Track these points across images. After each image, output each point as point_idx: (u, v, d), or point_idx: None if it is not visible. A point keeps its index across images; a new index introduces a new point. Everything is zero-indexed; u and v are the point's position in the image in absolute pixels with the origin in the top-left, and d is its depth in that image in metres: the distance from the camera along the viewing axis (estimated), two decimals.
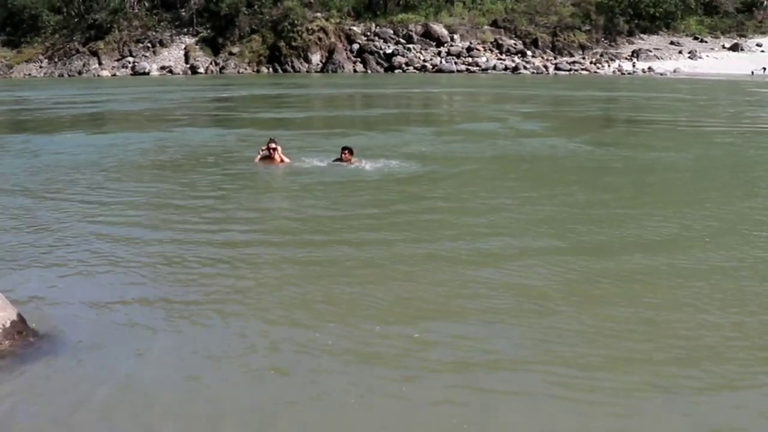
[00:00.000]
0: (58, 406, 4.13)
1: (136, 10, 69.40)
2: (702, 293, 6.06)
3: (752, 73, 58.07)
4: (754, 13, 69.87)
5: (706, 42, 67.73)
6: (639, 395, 4.34)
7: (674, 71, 59.07)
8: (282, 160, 12.51)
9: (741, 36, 67.84)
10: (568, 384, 4.43)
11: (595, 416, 4.14)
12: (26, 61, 69.14)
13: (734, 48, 65.89)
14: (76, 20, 70.07)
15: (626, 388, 4.41)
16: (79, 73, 66.46)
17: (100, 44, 68.20)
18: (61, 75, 66.54)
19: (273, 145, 12.47)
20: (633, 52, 65.19)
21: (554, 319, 5.48)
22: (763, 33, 68.19)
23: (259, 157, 12.63)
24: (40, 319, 5.31)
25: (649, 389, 4.39)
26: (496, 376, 4.57)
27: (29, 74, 67.50)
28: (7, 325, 4.87)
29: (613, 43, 66.91)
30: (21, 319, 5.08)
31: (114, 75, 65.40)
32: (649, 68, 60.57)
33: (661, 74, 58.27)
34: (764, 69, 58.58)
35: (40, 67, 68.69)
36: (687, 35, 68.51)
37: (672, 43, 67.25)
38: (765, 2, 70.24)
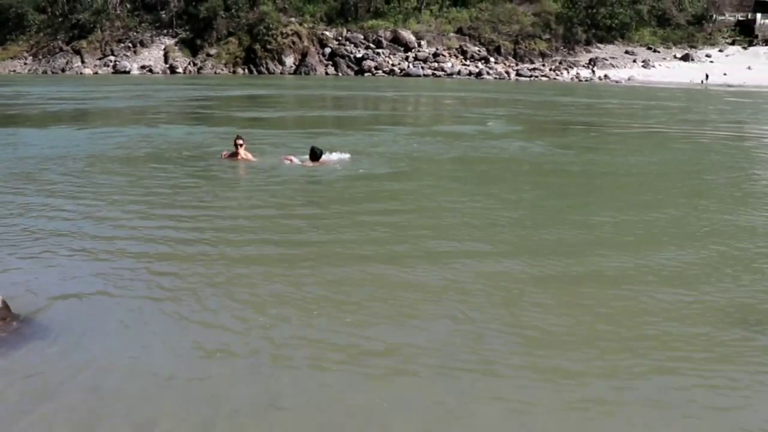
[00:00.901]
0: (40, 387, 4.16)
1: (118, 11, 70.58)
2: (657, 296, 5.84)
3: (690, 81, 59.67)
4: (704, 25, 72.29)
5: (659, 52, 70.14)
6: (614, 399, 4.20)
7: (629, 79, 60.98)
8: (246, 158, 12.53)
9: (692, 47, 70.22)
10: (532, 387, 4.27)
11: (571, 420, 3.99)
12: (11, 58, 70.24)
13: (685, 58, 68.24)
14: (60, 20, 71.12)
15: (598, 388, 4.32)
16: (63, 70, 67.57)
17: (83, 43, 69.38)
18: (44, 72, 67.52)
19: (240, 142, 12.48)
20: (590, 60, 67.25)
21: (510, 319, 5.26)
22: (712, 44, 70.72)
23: (226, 153, 12.77)
24: (23, 304, 5.31)
25: (620, 389, 4.29)
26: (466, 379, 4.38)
27: (14, 71, 68.50)
28: None
29: (571, 52, 68.99)
30: (5, 305, 5.05)
31: (96, 73, 66.48)
32: (606, 76, 62.43)
33: (617, 81, 60.10)
34: (706, 76, 60.51)
35: (25, 63, 69.70)
36: (641, 45, 70.87)
37: (627, 52, 69.49)
38: (714, 16, 72.68)
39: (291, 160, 12.26)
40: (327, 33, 67.65)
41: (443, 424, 3.90)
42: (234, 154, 12.43)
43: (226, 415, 3.89)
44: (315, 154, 11.89)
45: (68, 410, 3.91)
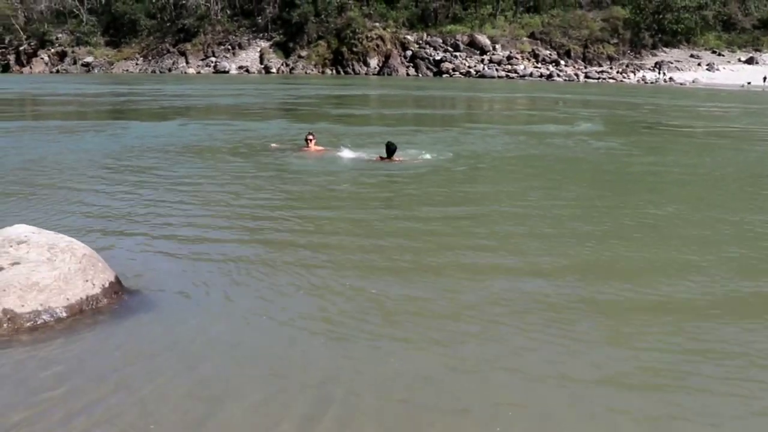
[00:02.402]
0: (146, 354, 4.24)
1: (220, 17, 74.99)
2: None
3: (749, 83, 59.53)
4: None
5: (723, 55, 70.22)
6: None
7: (693, 81, 61.49)
8: (316, 150, 12.96)
9: (756, 50, 70.07)
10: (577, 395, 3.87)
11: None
12: (125, 59, 75.71)
13: (749, 61, 68.33)
14: (168, 24, 76.15)
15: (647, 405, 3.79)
16: (169, 70, 72.52)
17: (188, 46, 74.21)
18: (153, 71, 72.69)
19: (310, 137, 13.06)
20: (656, 63, 68.11)
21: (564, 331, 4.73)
22: None
23: (304, 147, 13.29)
24: (134, 280, 5.45)
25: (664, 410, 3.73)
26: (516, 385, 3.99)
27: (127, 70, 74.05)
28: (107, 285, 5.01)
29: (638, 55, 69.98)
30: (117, 281, 5.19)
31: (198, 72, 71.02)
32: (671, 78, 63.24)
33: (681, 84, 60.59)
34: (764, 79, 60.52)
35: (136, 64, 75.10)
36: (706, 49, 70.99)
37: (692, 56, 69.88)
38: None
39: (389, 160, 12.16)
40: (409, 37, 70.20)
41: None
42: (306, 147, 13.11)
43: (328, 394, 3.81)
44: (390, 151, 11.45)
45: (167, 374, 3.98)
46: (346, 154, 12.27)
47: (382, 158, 11.56)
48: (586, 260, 6.42)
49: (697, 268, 6.20)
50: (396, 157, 11.42)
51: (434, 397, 3.87)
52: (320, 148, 13.18)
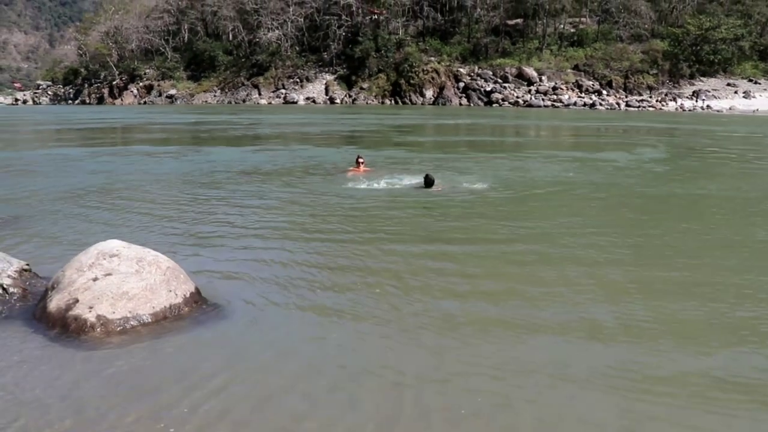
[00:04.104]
0: (221, 361, 4.28)
1: (289, 53, 78.07)
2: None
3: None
4: None
5: (759, 83, 69.31)
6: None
7: (730, 108, 61.14)
8: (365, 170, 13.42)
9: None
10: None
11: None
12: (204, 91, 79.53)
13: None
14: (243, 60, 79.62)
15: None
16: (243, 101, 75.54)
17: (261, 79, 77.36)
18: (229, 102, 75.86)
19: (361, 160, 13.66)
20: (693, 92, 67.74)
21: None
22: None
23: (353, 168, 13.82)
24: (212, 291, 5.51)
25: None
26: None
27: (206, 101, 77.55)
28: (188, 295, 5.12)
29: (676, 84, 69.78)
30: (197, 291, 5.28)
31: (270, 103, 73.78)
32: (708, 106, 62.83)
33: (718, 111, 60.13)
34: None
35: (214, 96, 78.65)
36: (743, 78, 70.29)
37: (729, 84, 69.21)
38: None
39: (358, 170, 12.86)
40: (461, 70, 71.59)
41: None
42: (356, 168, 13.61)
43: (397, 389, 3.91)
44: (428, 182, 11.09)
45: (244, 377, 4.07)
46: (392, 179, 12.20)
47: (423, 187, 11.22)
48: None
49: None
50: (435, 187, 11.09)
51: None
52: (368, 168, 13.67)
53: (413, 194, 10.95)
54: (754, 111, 59.26)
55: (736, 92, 68.78)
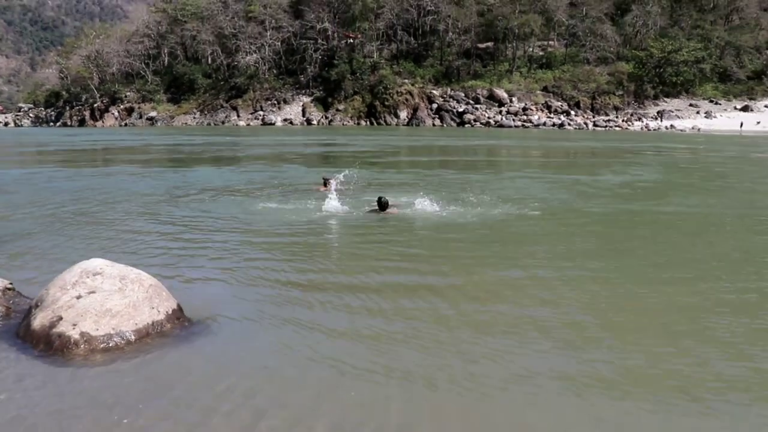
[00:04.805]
0: (204, 377, 4.24)
1: (267, 76, 78.47)
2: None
3: (741, 124, 61.77)
4: (763, 79, 73.19)
5: (720, 104, 71.57)
6: None
7: (692, 128, 62.70)
8: (326, 189, 13.06)
9: (751, 99, 71.31)
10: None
11: None
12: (184, 113, 79.49)
13: (745, 109, 69.66)
14: (221, 83, 79.95)
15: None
16: (222, 122, 75.68)
17: (239, 101, 77.66)
18: (209, 124, 75.89)
19: (328, 179, 13.54)
20: (658, 112, 69.64)
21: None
22: None
23: (321, 186, 13.84)
24: (193, 307, 5.42)
25: None
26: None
27: (185, 123, 77.39)
28: (170, 312, 5.08)
29: (641, 105, 71.63)
30: (179, 308, 5.22)
31: (248, 124, 73.96)
32: (671, 125, 64.50)
33: (681, 130, 61.72)
34: (741, 124, 62.36)
35: (194, 117, 78.66)
36: (704, 99, 72.39)
37: (691, 105, 71.40)
38: None
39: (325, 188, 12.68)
40: (434, 91, 72.74)
41: None
42: (324, 186, 13.63)
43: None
44: (382, 205, 10.62)
45: (227, 393, 4.00)
46: (356, 200, 11.99)
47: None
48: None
49: None
50: (389, 210, 10.68)
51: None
52: (331, 188, 13.14)
53: (369, 219, 10.44)
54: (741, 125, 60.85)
55: (698, 112, 70.64)
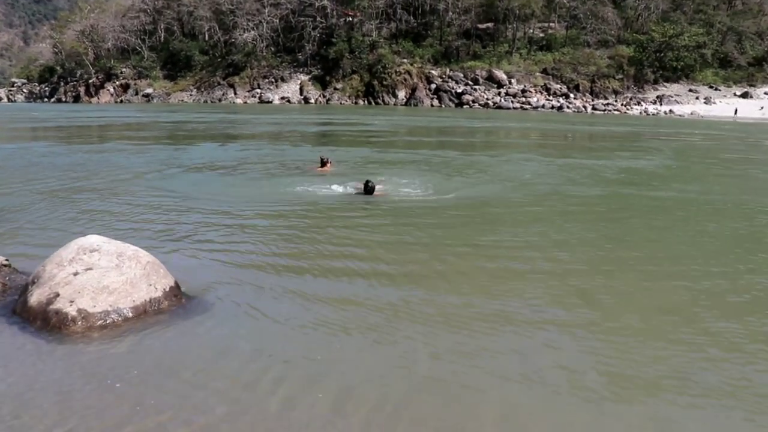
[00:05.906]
0: (201, 354, 4.25)
1: (264, 53, 77.54)
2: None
3: (735, 111, 61.33)
4: (764, 66, 72.44)
5: (720, 90, 70.72)
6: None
7: (691, 113, 62.23)
8: (325, 170, 13.61)
9: (751, 85, 70.65)
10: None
11: None
12: (180, 90, 78.69)
13: (744, 95, 68.89)
14: (219, 60, 79.02)
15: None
16: (219, 100, 74.99)
17: (236, 79, 76.81)
18: (205, 101, 75.26)
19: (325, 159, 13.88)
20: (657, 97, 68.87)
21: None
22: None
23: (317, 166, 13.92)
24: (190, 285, 5.46)
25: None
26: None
27: (182, 100, 76.70)
28: (167, 289, 5.07)
29: (641, 89, 70.80)
30: (176, 285, 5.22)
31: (245, 102, 73.38)
32: (670, 111, 63.87)
33: (680, 115, 61.01)
34: (735, 111, 61.68)
35: (190, 95, 77.89)
36: (704, 84, 71.47)
37: (690, 90, 70.55)
38: None
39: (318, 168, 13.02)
40: (433, 72, 71.93)
41: None
42: (323, 166, 13.81)
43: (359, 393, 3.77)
44: (368, 189, 10.66)
45: (223, 370, 4.04)
46: (349, 181, 11.88)
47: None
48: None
49: None
50: (376, 192, 10.74)
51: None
52: (330, 168, 13.80)
53: (355, 200, 10.41)
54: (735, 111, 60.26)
55: (697, 98, 69.87)
